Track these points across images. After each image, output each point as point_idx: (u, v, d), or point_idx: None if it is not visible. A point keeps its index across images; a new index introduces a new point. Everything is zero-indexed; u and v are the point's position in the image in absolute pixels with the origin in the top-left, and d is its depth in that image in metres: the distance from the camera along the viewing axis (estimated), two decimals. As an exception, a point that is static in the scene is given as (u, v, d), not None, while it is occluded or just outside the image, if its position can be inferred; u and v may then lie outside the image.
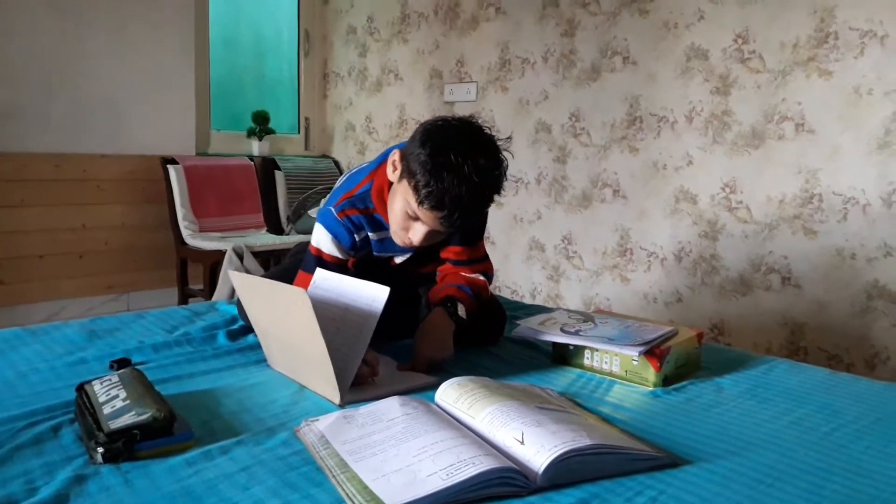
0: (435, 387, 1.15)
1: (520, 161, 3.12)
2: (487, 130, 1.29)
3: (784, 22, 2.38)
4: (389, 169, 1.33)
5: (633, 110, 2.80)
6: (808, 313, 2.38)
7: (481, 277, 1.52)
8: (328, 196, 1.47)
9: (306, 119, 4.19)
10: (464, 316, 1.42)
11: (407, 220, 1.29)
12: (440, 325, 1.38)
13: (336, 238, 1.41)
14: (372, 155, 3.61)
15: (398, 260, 1.51)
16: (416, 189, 1.23)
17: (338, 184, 1.52)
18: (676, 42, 2.65)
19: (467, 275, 1.50)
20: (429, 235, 1.30)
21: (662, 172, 2.73)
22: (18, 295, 3.11)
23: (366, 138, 3.96)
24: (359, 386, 1.20)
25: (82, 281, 3.31)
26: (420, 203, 1.23)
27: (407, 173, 1.25)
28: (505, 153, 1.28)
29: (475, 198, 1.24)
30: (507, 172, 1.29)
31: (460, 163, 1.20)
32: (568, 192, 3.04)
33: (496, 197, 1.29)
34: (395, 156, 1.31)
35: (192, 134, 3.60)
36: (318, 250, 1.43)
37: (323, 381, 1.16)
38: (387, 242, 1.45)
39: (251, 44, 4.04)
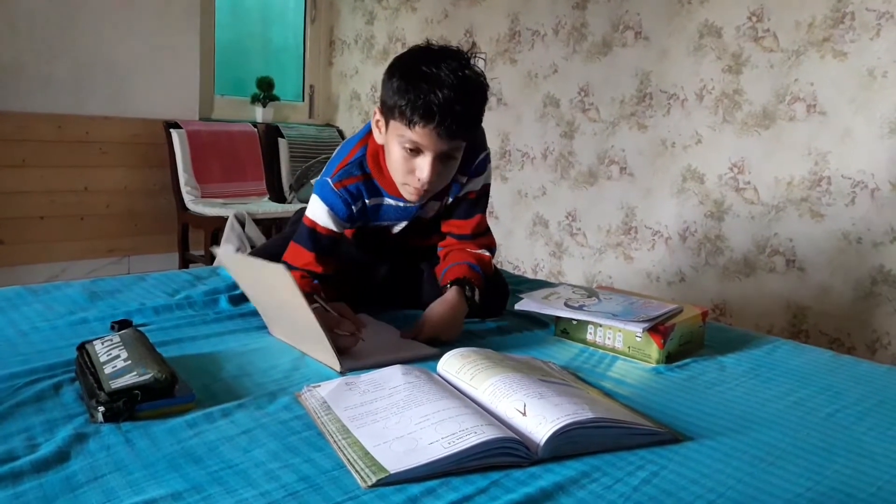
0: (437, 357, 1.14)
1: (526, 135, 3.09)
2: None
3: (800, 1, 2.34)
4: (375, 131, 1.33)
5: (643, 87, 2.76)
6: (811, 296, 2.38)
7: (486, 253, 1.50)
8: (324, 168, 1.45)
9: (311, 87, 4.14)
10: (478, 301, 1.41)
11: (409, 160, 1.26)
12: (455, 305, 1.36)
13: (332, 210, 1.37)
14: (377, 125, 3.58)
15: (397, 229, 1.50)
16: (402, 115, 1.21)
17: (332, 156, 1.50)
18: (690, 18, 2.61)
19: (473, 251, 1.48)
20: (436, 167, 1.25)
21: (671, 151, 2.70)
22: (19, 256, 3.11)
23: (371, 108, 3.91)
24: (350, 353, 1.19)
25: (83, 244, 3.30)
26: (411, 123, 1.20)
27: (388, 111, 1.25)
28: (478, 61, 1.29)
29: (462, 98, 1.20)
30: (491, 90, 1.30)
31: (434, 71, 1.20)
32: (574, 168, 3.01)
33: (485, 105, 1.28)
34: (375, 115, 1.32)
35: (196, 98, 3.56)
36: (313, 223, 1.39)
37: (321, 349, 1.15)
38: (384, 208, 1.43)
39: (257, 9, 3.99)
